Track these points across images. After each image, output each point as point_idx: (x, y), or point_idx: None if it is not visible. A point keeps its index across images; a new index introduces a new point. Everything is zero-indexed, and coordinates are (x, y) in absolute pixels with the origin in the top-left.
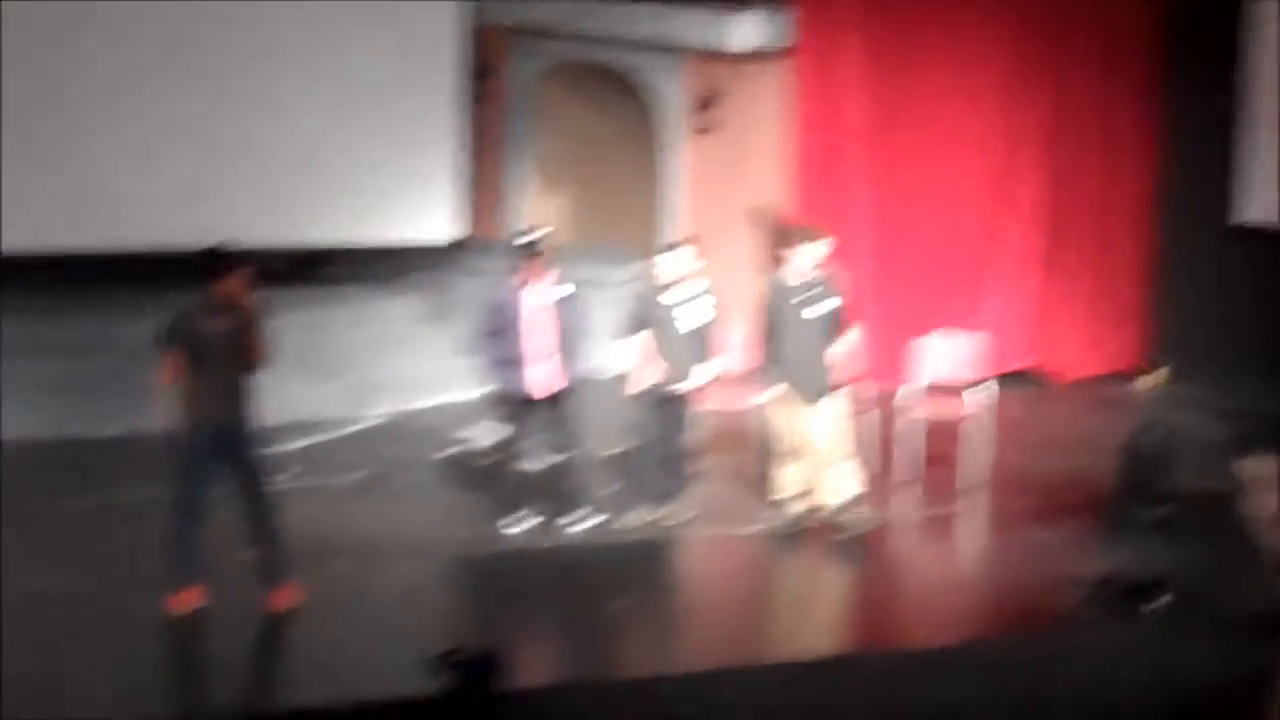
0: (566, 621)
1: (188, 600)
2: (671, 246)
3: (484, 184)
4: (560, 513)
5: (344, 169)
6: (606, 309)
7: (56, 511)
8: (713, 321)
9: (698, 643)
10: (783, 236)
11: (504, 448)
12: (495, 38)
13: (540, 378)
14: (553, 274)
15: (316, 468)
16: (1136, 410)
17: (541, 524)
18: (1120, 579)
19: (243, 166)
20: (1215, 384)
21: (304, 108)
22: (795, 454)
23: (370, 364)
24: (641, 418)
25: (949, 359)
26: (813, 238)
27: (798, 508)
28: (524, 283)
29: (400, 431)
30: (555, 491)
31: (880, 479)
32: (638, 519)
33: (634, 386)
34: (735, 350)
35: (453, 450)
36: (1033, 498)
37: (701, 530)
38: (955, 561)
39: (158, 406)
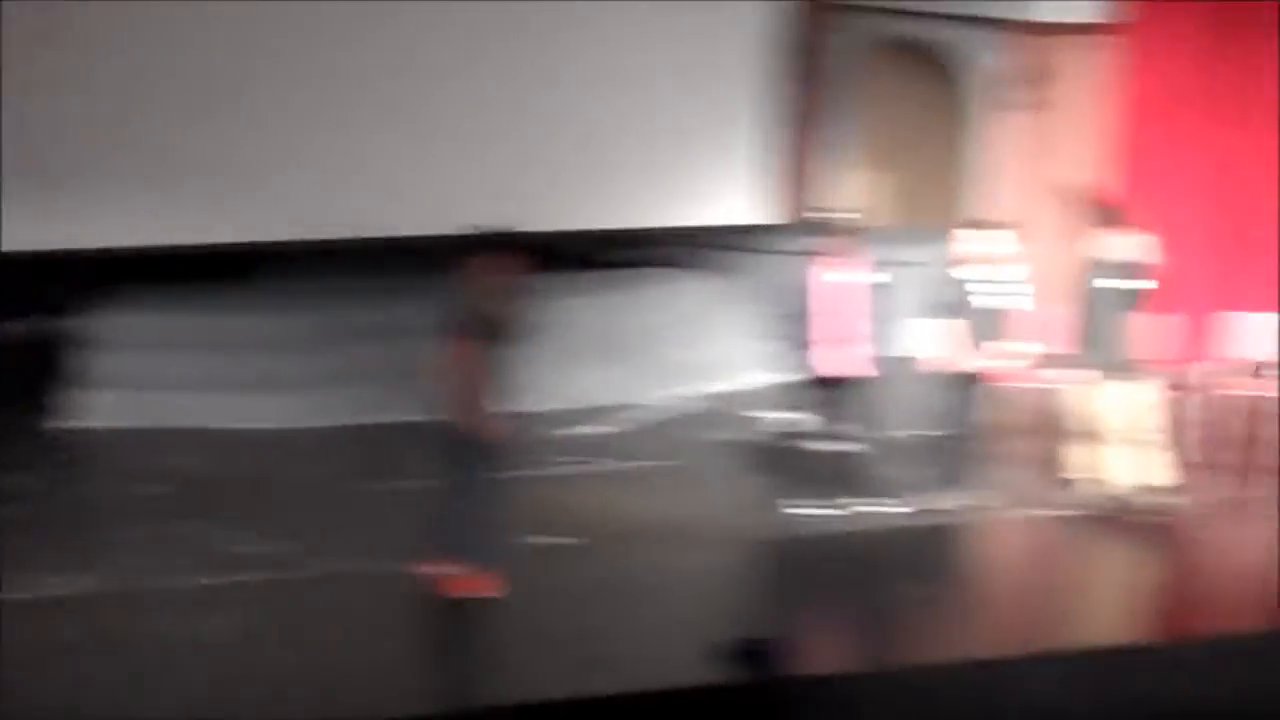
0: (859, 608)
1: (476, 585)
2: (981, 223)
3: (804, 163)
4: (858, 498)
5: (651, 149)
6: (917, 290)
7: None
8: (1029, 304)
9: (997, 629)
10: (1094, 214)
11: (803, 432)
12: (819, 14)
13: (838, 360)
14: (864, 257)
15: (615, 451)
16: None
17: (836, 508)
18: None
19: (552, 150)
20: None
21: (610, 88)
22: (1092, 435)
23: (674, 347)
24: (945, 400)
25: (1260, 338)
26: (1120, 219)
27: (1095, 490)
28: (828, 263)
29: (700, 415)
30: (854, 476)
31: (1187, 463)
32: (938, 503)
33: (940, 369)
34: (1049, 330)
35: (752, 434)
36: None
37: (1004, 513)
38: (1260, 546)
39: (442, 391)
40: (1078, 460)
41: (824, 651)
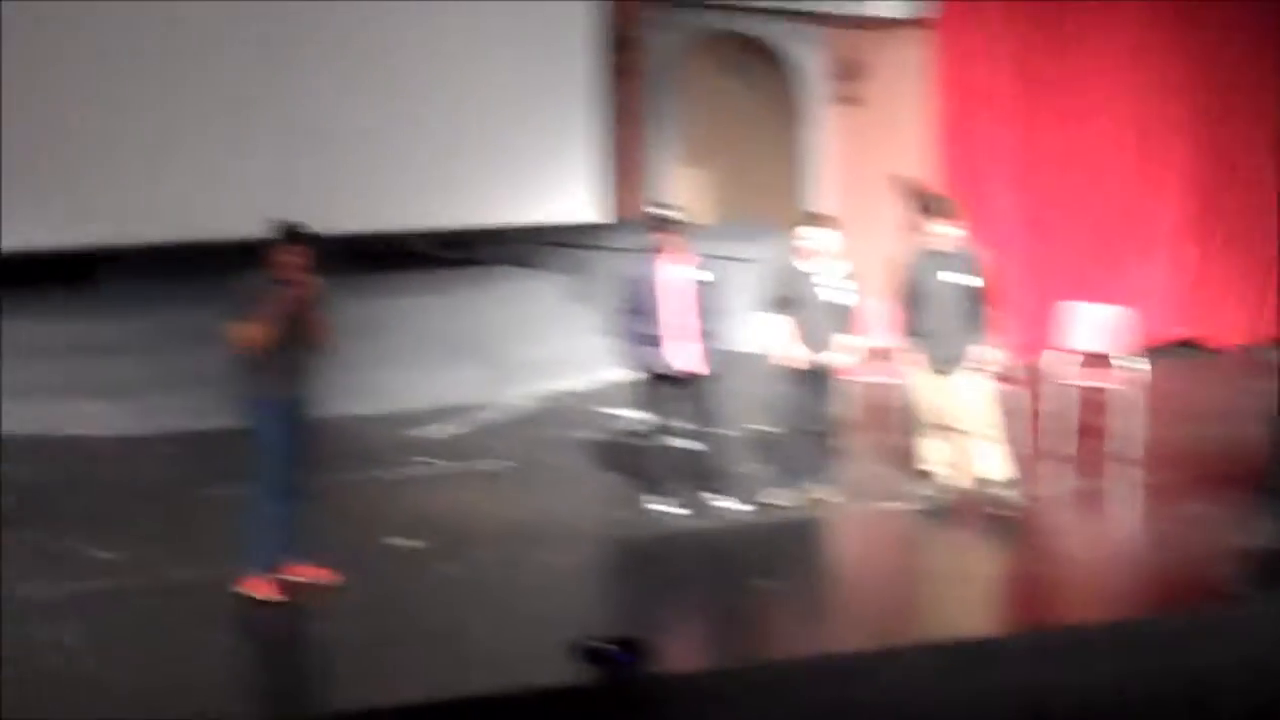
0: (714, 604)
1: (268, 588)
2: (814, 218)
3: (626, 160)
4: (706, 493)
5: (485, 149)
6: (749, 285)
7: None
8: (851, 296)
9: (850, 623)
10: (924, 206)
11: (648, 428)
12: (633, 9)
13: (679, 355)
14: (692, 253)
15: (463, 451)
16: None
17: (687, 505)
18: (1276, 551)
19: (384, 151)
20: None
21: (442, 89)
22: (940, 427)
23: (516, 345)
24: (786, 394)
25: (1097, 330)
26: (951, 209)
27: (944, 482)
28: (661, 259)
29: (546, 413)
30: (700, 472)
31: (1031, 453)
32: (784, 497)
33: (779, 362)
34: (880, 324)
35: (598, 431)
36: (1187, 469)
37: (849, 507)
38: (1107, 536)
39: (237, 383)
40: (926, 453)
41: (680, 649)
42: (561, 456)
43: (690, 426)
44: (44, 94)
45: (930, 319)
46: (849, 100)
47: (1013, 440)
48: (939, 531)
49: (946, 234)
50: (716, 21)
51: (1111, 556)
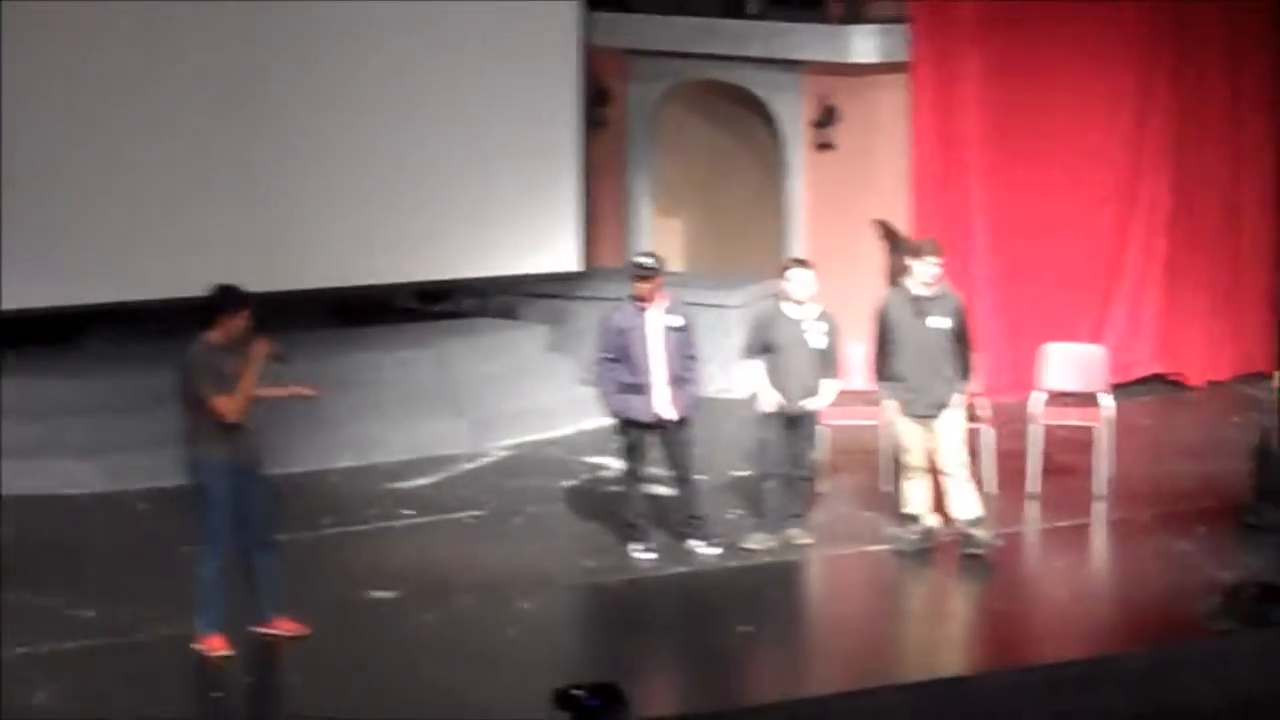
0: (693, 650)
1: (220, 644)
2: (798, 262)
3: (606, 211)
4: (684, 538)
5: (465, 202)
6: (729, 331)
7: None
8: (833, 342)
9: (826, 665)
10: (902, 249)
11: (628, 476)
12: (611, 61)
13: (659, 402)
14: (671, 300)
15: (443, 503)
16: (1268, 413)
17: (665, 551)
18: (1254, 585)
19: (365, 206)
20: None
21: (422, 143)
22: (921, 469)
23: (497, 396)
24: (766, 439)
25: (1073, 369)
26: (931, 250)
27: (927, 523)
28: (641, 308)
29: (527, 463)
30: (679, 517)
31: (1004, 493)
32: (764, 542)
33: (759, 407)
34: (859, 368)
35: (577, 479)
36: (1164, 504)
37: (829, 550)
38: (1086, 573)
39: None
40: (908, 495)
41: (657, 694)
42: (540, 505)
43: (668, 473)
44: (27, 152)
45: (908, 362)
46: (827, 146)
47: (985, 480)
48: (916, 573)
49: (923, 275)
50: (694, 70)
51: (1088, 593)
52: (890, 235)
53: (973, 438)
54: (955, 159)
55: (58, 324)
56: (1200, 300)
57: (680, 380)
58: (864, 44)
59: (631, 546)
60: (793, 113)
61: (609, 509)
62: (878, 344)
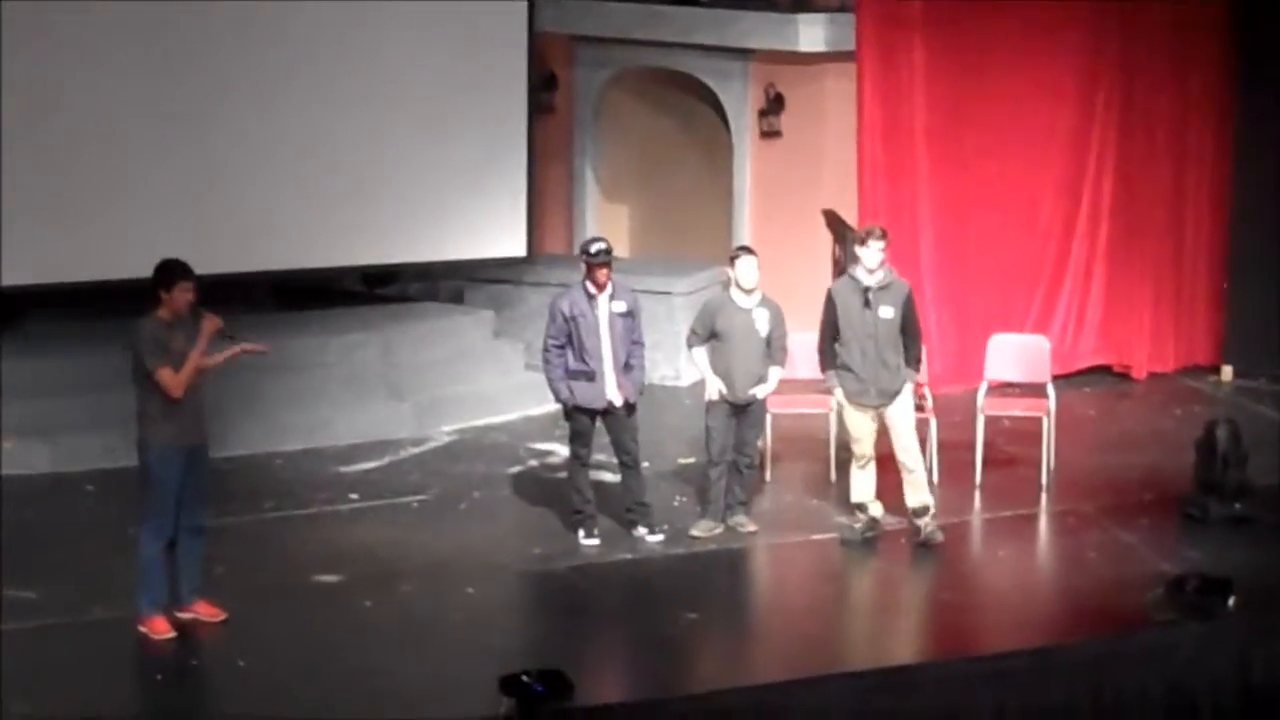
0: (638, 637)
1: (163, 626)
2: (745, 250)
3: (552, 196)
4: (631, 525)
5: (411, 186)
6: (676, 318)
7: None
8: (779, 329)
9: (772, 654)
10: (848, 237)
11: (574, 461)
12: (559, 46)
13: (607, 388)
14: (619, 287)
15: (388, 487)
16: (1211, 405)
17: (612, 537)
18: (1196, 577)
19: (311, 189)
20: None
21: (370, 125)
22: (869, 458)
23: (442, 381)
24: (713, 426)
25: (1019, 360)
26: (876, 235)
27: (872, 512)
28: (589, 294)
29: (472, 448)
30: (624, 504)
31: (951, 483)
32: (710, 529)
33: (706, 395)
34: (805, 356)
35: (524, 466)
36: (1108, 496)
37: (774, 538)
38: (1030, 563)
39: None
40: (855, 484)
41: (603, 681)
42: (485, 490)
43: (615, 459)
44: None
45: (856, 352)
46: (774, 134)
47: (931, 470)
48: (862, 562)
49: (870, 262)
50: (642, 56)
51: (1032, 584)
52: (837, 226)
53: (919, 427)
54: (902, 149)
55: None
56: (1144, 293)
57: (628, 366)
58: (812, 33)
59: (578, 532)
60: (740, 100)
61: (555, 495)
62: (824, 333)
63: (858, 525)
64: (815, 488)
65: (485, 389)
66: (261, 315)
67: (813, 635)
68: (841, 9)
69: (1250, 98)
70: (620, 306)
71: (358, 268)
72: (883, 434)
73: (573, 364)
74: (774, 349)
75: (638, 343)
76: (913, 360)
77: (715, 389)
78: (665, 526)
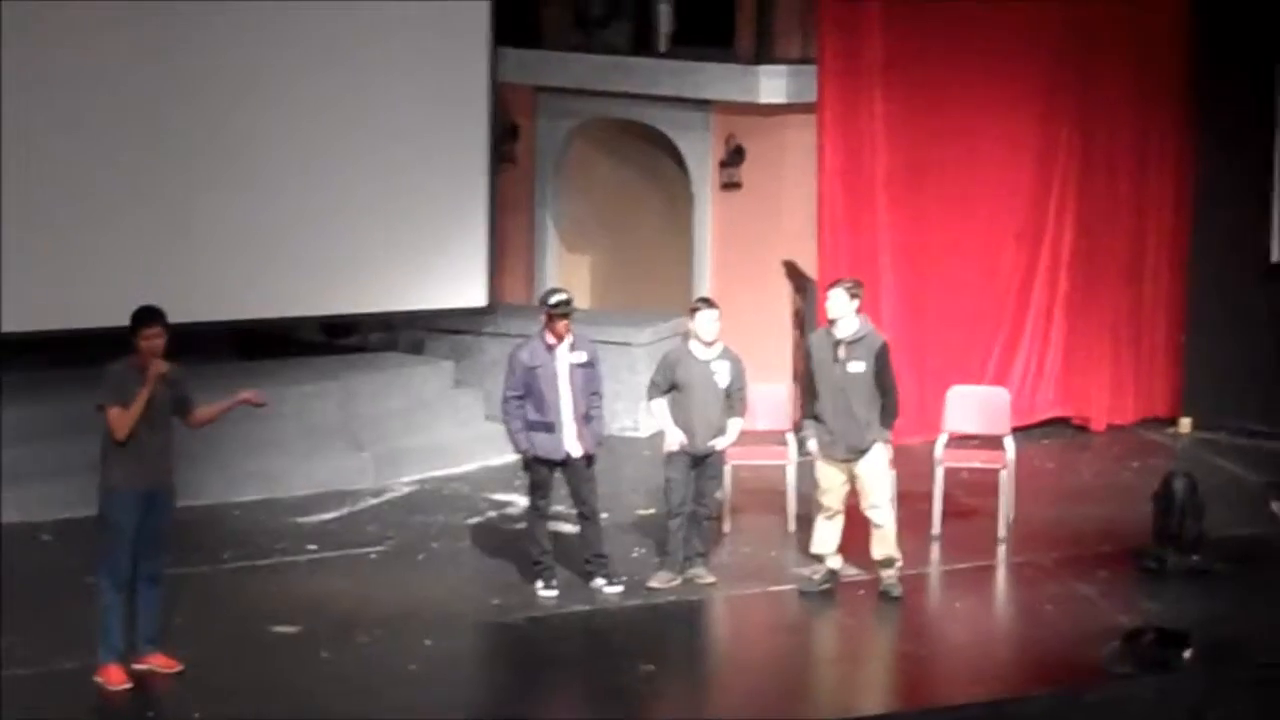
0: (596, 688)
1: (119, 676)
2: (705, 302)
3: (513, 246)
4: (589, 576)
5: (372, 236)
6: (636, 369)
7: None
8: (739, 381)
9: (730, 705)
10: (808, 289)
11: (533, 512)
12: (520, 97)
13: (565, 439)
14: (578, 338)
15: (346, 538)
16: (1169, 456)
17: (570, 588)
18: (1153, 630)
19: (272, 240)
20: (1248, 429)
21: (331, 174)
22: (835, 510)
23: (401, 431)
24: (672, 478)
25: (978, 411)
26: (842, 288)
27: (830, 564)
28: (549, 345)
29: (431, 499)
30: (584, 555)
31: (909, 535)
32: (668, 580)
33: (665, 446)
34: (765, 407)
35: (483, 516)
36: (1066, 548)
37: (732, 590)
38: (988, 615)
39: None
40: (817, 535)
41: None
42: (444, 541)
43: (574, 510)
44: None
45: (826, 405)
46: (734, 185)
47: (899, 520)
48: (820, 613)
49: (831, 312)
50: (603, 107)
51: (990, 636)
52: (797, 278)
53: (896, 479)
54: (862, 199)
55: None
56: (1103, 344)
57: (586, 417)
58: (772, 84)
59: (536, 583)
60: (701, 151)
61: (513, 546)
62: (803, 384)
63: (816, 576)
64: (774, 539)
65: (444, 440)
66: (221, 365)
67: (770, 687)
68: (803, 60)
69: (1209, 151)
70: (580, 357)
71: (318, 318)
72: (853, 488)
73: (531, 415)
74: (734, 400)
75: (596, 394)
76: (887, 414)
77: (676, 440)
78: (624, 578)
